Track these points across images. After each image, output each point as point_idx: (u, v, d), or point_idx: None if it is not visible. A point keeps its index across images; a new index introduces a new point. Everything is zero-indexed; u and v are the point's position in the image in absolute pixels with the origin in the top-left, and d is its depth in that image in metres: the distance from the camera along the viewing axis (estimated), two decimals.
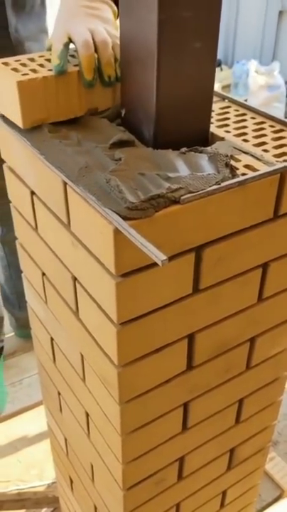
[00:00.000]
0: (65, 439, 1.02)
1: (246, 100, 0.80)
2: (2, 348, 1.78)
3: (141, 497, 0.81)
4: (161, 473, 0.80)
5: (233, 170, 0.57)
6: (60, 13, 0.70)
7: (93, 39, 0.64)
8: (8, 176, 0.76)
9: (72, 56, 0.68)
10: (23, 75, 0.62)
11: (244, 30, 4.47)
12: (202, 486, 0.91)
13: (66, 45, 0.65)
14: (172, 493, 0.86)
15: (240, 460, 0.94)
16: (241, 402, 0.83)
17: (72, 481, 1.11)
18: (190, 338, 0.66)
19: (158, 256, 0.44)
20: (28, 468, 1.65)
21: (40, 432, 1.75)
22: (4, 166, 0.76)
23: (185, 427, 0.77)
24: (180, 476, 0.84)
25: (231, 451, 0.91)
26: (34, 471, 1.65)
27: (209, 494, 0.94)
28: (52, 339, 0.85)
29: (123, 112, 0.67)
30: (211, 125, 0.67)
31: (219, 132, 0.67)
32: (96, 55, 0.64)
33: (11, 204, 0.80)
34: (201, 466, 0.86)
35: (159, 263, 0.44)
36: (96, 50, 0.64)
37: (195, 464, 0.85)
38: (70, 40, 0.65)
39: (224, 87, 4.27)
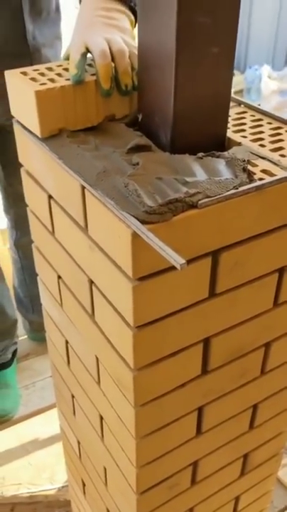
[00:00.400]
0: (78, 442, 1.02)
1: (258, 105, 0.81)
2: (15, 350, 1.79)
3: (154, 501, 0.81)
4: (175, 478, 0.80)
5: (250, 175, 0.57)
6: (78, 23, 0.71)
7: (110, 48, 0.65)
8: (26, 180, 0.77)
9: (90, 65, 0.68)
10: (41, 84, 0.63)
11: (256, 35, 4.46)
12: (215, 492, 0.91)
13: (83, 55, 0.66)
14: (186, 497, 0.85)
15: (253, 466, 0.94)
16: (255, 407, 0.83)
17: (84, 485, 1.11)
18: (206, 342, 0.66)
19: (177, 260, 0.44)
20: (39, 471, 1.66)
21: (52, 435, 1.76)
22: (22, 170, 0.77)
23: (199, 431, 0.77)
24: (193, 481, 0.84)
25: (245, 456, 0.90)
26: (45, 474, 1.65)
27: (222, 500, 0.94)
28: (66, 342, 0.86)
29: (140, 116, 0.68)
30: (227, 130, 0.67)
31: (236, 137, 0.68)
32: (113, 65, 0.65)
33: (27, 208, 0.81)
34: (214, 471, 0.86)
35: (178, 267, 0.44)
36: (113, 60, 0.65)
37: (209, 468, 0.85)
38: (87, 50, 0.66)
39: (236, 92, 4.27)
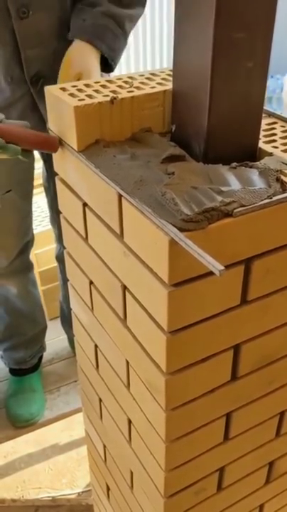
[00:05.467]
0: (104, 446, 1.04)
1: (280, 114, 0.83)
2: (42, 355, 1.81)
3: (181, 506, 0.82)
4: (201, 483, 0.81)
5: (283, 184, 0.59)
6: None
7: None
8: (60, 188, 0.79)
9: (125, 82, 0.72)
10: (80, 100, 0.66)
11: (278, 45, 4.47)
12: (241, 498, 0.91)
13: None
14: (211, 504, 0.86)
15: (279, 474, 0.94)
16: (282, 415, 0.83)
17: (108, 488, 1.12)
18: (236, 348, 0.67)
19: (216, 266, 0.46)
20: (58, 476, 1.67)
21: (72, 441, 1.78)
22: (57, 178, 0.79)
23: (226, 437, 0.77)
24: (219, 487, 0.85)
25: (271, 464, 0.91)
26: (65, 479, 1.67)
27: (247, 507, 0.94)
28: (96, 346, 0.87)
29: (173, 127, 0.70)
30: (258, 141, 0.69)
31: (267, 148, 0.69)
32: None
33: (61, 215, 0.83)
34: (240, 478, 0.87)
35: (216, 273, 0.46)
36: None
37: (235, 475, 0.85)
38: None
39: None
